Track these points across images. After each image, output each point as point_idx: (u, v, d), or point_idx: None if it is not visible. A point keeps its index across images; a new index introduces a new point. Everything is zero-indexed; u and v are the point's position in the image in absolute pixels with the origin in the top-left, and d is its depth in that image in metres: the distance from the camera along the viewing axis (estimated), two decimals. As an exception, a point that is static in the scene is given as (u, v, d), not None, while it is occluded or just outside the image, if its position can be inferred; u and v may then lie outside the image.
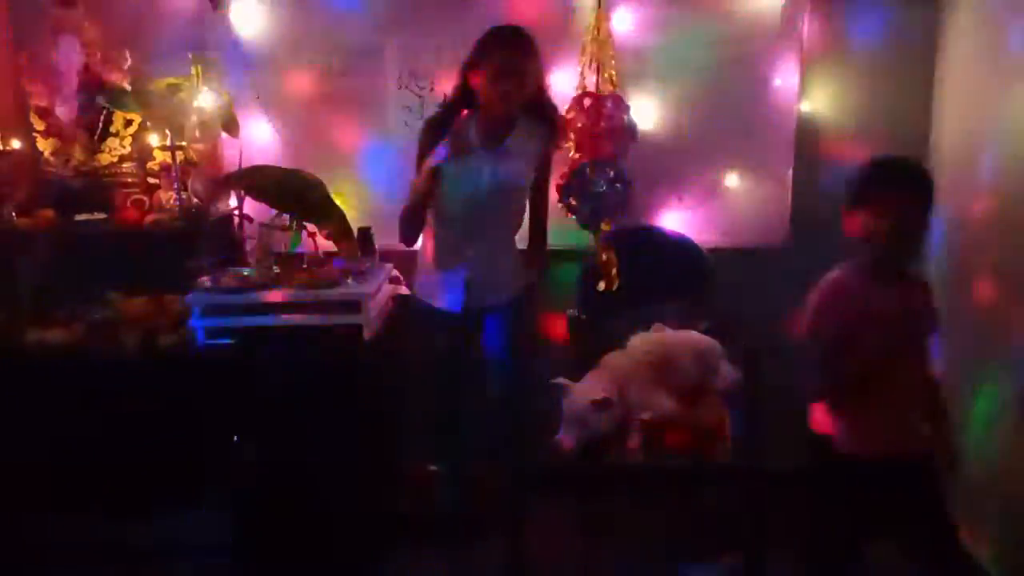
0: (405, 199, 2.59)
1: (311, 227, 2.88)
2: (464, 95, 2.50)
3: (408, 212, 2.58)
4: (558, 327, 3.16)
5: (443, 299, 2.66)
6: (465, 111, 2.53)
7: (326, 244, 2.93)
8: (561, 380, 2.65)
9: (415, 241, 2.69)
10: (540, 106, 2.57)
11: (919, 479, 2.15)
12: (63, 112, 3.05)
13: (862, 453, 2.16)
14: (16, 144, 3.02)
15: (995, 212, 2.61)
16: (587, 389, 2.58)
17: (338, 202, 2.92)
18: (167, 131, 2.90)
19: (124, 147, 3.08)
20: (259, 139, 3.20)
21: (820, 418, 2.24)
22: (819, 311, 2.14)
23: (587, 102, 2.97)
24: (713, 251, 3.11)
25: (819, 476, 2.33)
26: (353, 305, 2.69)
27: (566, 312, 3.05)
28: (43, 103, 3.05)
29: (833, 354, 2.12)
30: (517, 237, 2.79)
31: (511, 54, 2.38)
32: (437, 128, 2.52)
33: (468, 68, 2.46)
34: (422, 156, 2.54)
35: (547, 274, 2.91)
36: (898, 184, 2.08)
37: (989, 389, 2.62)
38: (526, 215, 2.76)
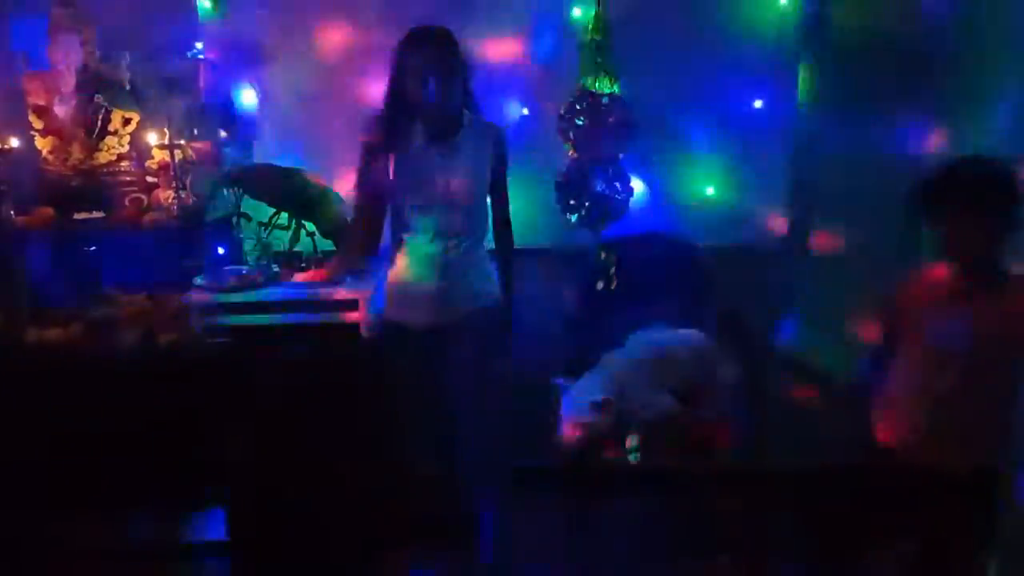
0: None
1: (309, 226, 2.88)
2: (398, 102, 2.39)
3: (350, 235, 2.53)
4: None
5: (412, 315, 2.49)
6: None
7: (324, 243, 2.92)
8: (559, 380, 2.65)
9: (359, 261, 2.63)
10: (469, 101, 2.47)
11: (969, 500, 2.01)
12: (62, 111, 3.05)
13: (912, 456, 2.05)
14: (15, 143, 3.01)
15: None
16: (586, 389, 2.59)
17: (336, 201, 2.91)
18: (165, 130, 2.90)
19: (123, 146, 3.08)
20: (258, 138, 3.19)
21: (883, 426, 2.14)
22: (895, 310, 2.09)
23: (586, 101, 2.98)
24: (711, 250, 3.11)
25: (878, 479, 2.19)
26: (351, 304, 2.69)
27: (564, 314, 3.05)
28: (41, 101, 3.05)
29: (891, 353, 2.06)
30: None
31: (422, 56, 2.32)
32: (376, 148, 2.43)
33: (394, 72, 2.39)
34: (361, 178, 2.47)
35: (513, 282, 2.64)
36: (961, 194, 1.91)
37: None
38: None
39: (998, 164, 1.94)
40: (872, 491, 2.18)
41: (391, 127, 2.39)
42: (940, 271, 1.98)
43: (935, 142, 2.95)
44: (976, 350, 1.92)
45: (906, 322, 2.02)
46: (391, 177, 2.40)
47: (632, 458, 2.54)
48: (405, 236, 2.48)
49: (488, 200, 2.51)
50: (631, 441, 2.55)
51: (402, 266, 2.50)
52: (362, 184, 2.47)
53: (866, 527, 2.20)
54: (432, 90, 2.31)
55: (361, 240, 2.54)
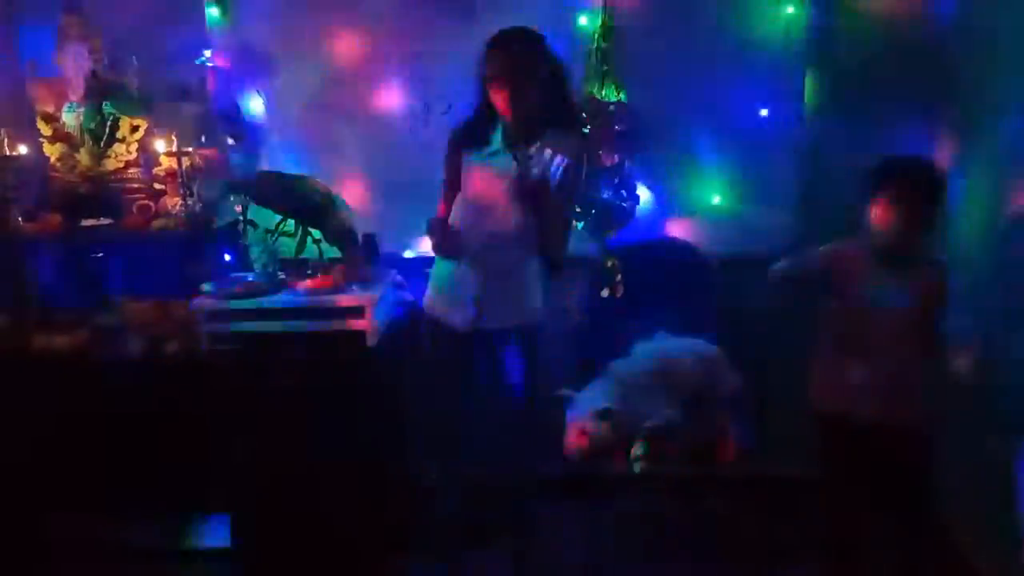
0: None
1: (316, 233, 2.88)
2: (481, 103, 2.42)
3: (433, 226, 2.43)
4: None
5: (453, 316, 2.51)
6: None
7: (331, 250, 2.92)
8: (565, 391, 2.65)
9: (452, 249, 2.49)
10: (561, 113, 2.44)
11: (905, 449, 2.28)
12: (70, 118, 3.06)
13: (841, 412, 2.31)
14: (23, 149, 3.03)
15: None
16: (590, 398, 2.59)
17: (342, 208, 2.92)
18: (173, 137, 2.91)
19: (130, 153, 3.09)
20: (265, 145, 3.20)
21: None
22: (820, 257, 2.37)
23: (592, 108, 2.98)
24: (717, 259, 3.11)
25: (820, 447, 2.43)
26: (357, 311, 2.69)
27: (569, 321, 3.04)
28: (50, 108, 3.07)
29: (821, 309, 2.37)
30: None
31: (505, 58, 2.31)
32: (459, 141, 2.48)
33: (478, 75, 2.40)
34: (449, 171, 2.53)
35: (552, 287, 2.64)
36: (902, 178, 2.22)
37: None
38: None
39: (929, 162, 2.33)
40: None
41: (470, 128, 2.45)
42: (877, 240, 2.26)
43: (943, 150, 2.95)
44: (902, 311, 2.24)
45: (841, 279, 2.30)
46: (463, 178, 2.45)
47: (636, 467, 2.54)
48: (464, 238, 2.45)
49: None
50: (636, 450, 2.55)
51: (454, 265, 2.49)
52: (446, 178, 2.53)
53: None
54: (506, 95, 2.30)
55: (440, 230, 2.46)
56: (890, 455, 2.27)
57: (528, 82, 2.31)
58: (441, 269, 2.56)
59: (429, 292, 2.61)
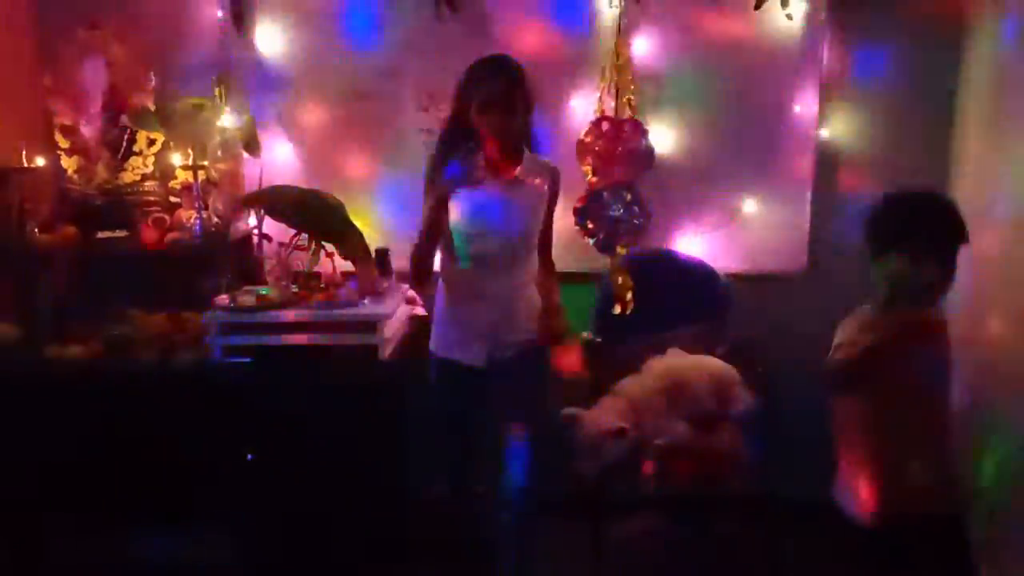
0: (417, 232, 2.46)
1: (329, 247, 2.89)
2: (460, 128, 2.40)
3: (420, 245, 2.46)
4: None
5: (464, 352, 2.50)
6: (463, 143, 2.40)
7: (344, 264, 2.94)
8: (573, 410, 2.64)
9: (426, 278, 2.56)
10: (529, 137, 2.48)
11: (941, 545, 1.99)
12: (87, 131, 3.10)
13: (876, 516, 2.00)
14: (40, 161, 3.06)
15: (1008, 247, 2.55)
16: (601, 417, 2.58)
17: (356, 223, 2.93)
18: (189, 151, 2.93)
19: (147, 166, 3.13)
20: (279, 159, 3.23)
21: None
22: (842, 347, 2.00)
23: (605, 126, 3.00)
24: (730, 277, 3.11)
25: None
26: (369, 325, 2.70)
27: (580, 336, 3.03)
28: (68, 121, 3.10)
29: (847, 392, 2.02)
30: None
31: (502, 84, 2.31)
32: (439, 175, 2.40)
33: (458, 100, 2.40)
34: (427, 204, 2.45)
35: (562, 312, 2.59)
36: (919, 226, 1.92)
37: (1003, 431, 2.48)
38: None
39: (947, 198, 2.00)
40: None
41: (452, 155, 2.36)
42: (908, 310, 1.94)
43: (962, 171, 2.95)
44: (934, 387, 1.96)
45: (877, 363, 1.94)
46: (451, 207, 2.39)
47: (647, 486, 2.53)
48: (459, 270, 2.48)
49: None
50: (647, 468, 2.54)
51: (457, 301, 2.51)
52: (426, 214, 2.43)
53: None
54: (497, 120, 2.31)
55: (423, 264, 2.49)
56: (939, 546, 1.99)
57: (520, 107, 2.34)
58: (446, 307, 2.56)
59: (436, 331, 2.59)
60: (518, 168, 2.43)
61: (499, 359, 2.48)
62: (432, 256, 2.50)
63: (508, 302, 2.47)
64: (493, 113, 2.31)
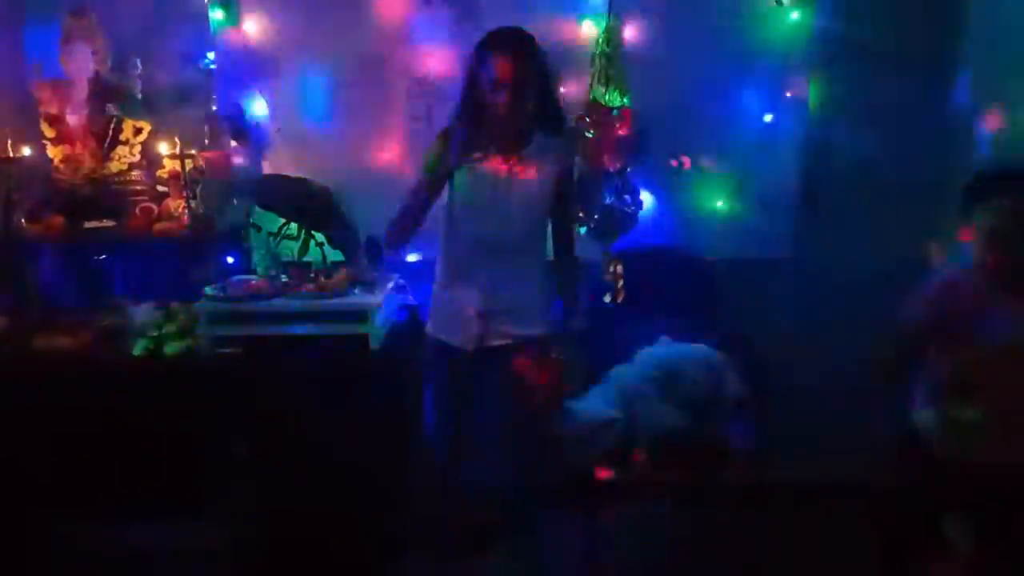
0: (402, 200, 2.40)
1: (319, 236, 2.88)
2: (471, 105, 2.29)
3: (405, 213, 2.38)
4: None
5: (455, 335, 2.43)
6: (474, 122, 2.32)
7: (334, 254, 2.92)
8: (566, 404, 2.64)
9: (401, 247, 2.52)
10: (549, 117, 2.35)
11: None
12: (73, 120, 3.06)
13: (964, 458, 2.09)
14: (26, 151, 3.03)
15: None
16: (593, 405, 2.58)
17: (345, 212, 2.92)
18: (177, 139, 2.91)
19: (134, 155, 3.10)
20: (268, 148, 3.20)
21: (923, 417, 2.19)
22: (928, 303, 2.12)
23: (596, 113, 2.98)
24: (720, 264, 3.11)
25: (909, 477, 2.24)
26: (360, 315, 2.69)
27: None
28: (53, 110, 3.07)
29: (933, 350, 2.11)
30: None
31: (510, 60, 2.18)
32: (446, 148, 2.32)
33: (467, 76, 2.29)
34: (427, 173, 2.37)
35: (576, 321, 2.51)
36: (1006, 195, 2.04)
37: None
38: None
39: None
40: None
41: (461, 130, 2.28)
42: (983, 269, 2.06)
43: (948, 154, 2.96)
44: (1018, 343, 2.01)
45: (952, 320, 2.06)
46: (452, 185, 2.33)
47: (639, 473, 2.54)
48: (457, 251, 2.41)
49: (549, 223, 2.42)
50: (639, 456, 2.55)
51: (452, 282, 2.44)
52: (424, 178, 2.36)
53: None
54: (501, 96, 2.20)
55: (404, 222, 2.41)
56: (1006, 499, 2.07)
57: (531, 84, 2.22)
58: (441, 287, 2.49)
59: (431, 310, 2.52)
60: (525, 149, 2.33)
61: (490, 347, 2.40)
62: (413, 225, 2.40)
63: (504, 289, 2.37)
64: (501, 91, 2.19)
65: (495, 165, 2.32)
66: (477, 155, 2.30)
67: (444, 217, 2.41)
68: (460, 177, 2.34)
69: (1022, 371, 2.02)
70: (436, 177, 2.34)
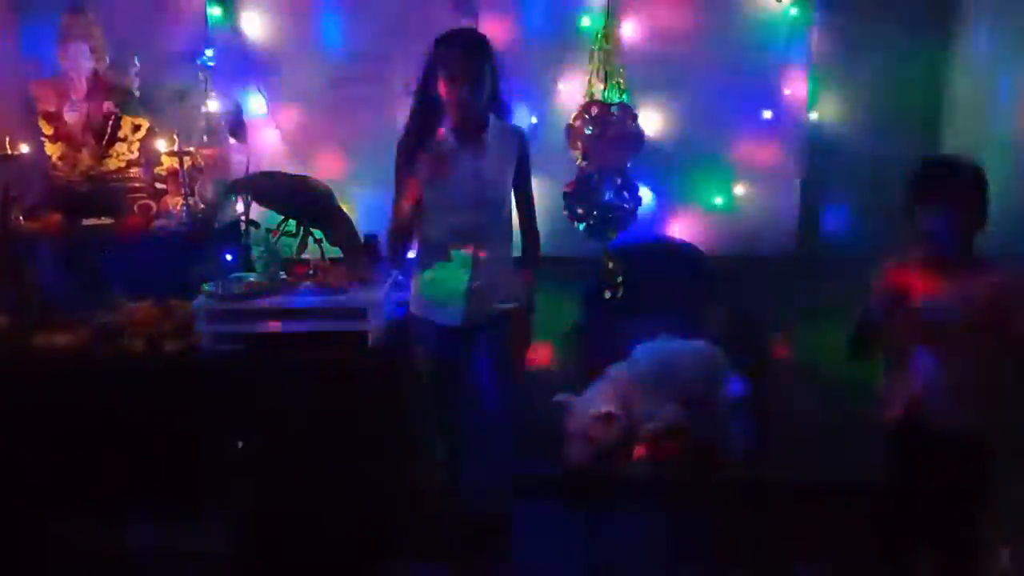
0: (389, 221, 2.55)
1: (317, 234, 2.88)
2: (429, 102, 2.46)
3: (394, 235, 2.56)
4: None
5: (440, 314, 2.56)
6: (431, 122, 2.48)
7: (332, 251, 2.92)
8: (563, 397, 2.64)
9: (403, 261, 2.68)
10: (500, 104, 2.54)
11: (965, 460, 2.18)
12: (71, 117, 3.06)
13: (899, 418, 2.23)
14: (24, 149, 3.03)
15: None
16: (591, 402, 2.58)
17: (344, 209, 2.91)
18: (175, 136, 2.91)
19: (132, 152, 3.10)
20: (267, 145, 3.20)
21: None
22: (877, 287, 2.24)
23: (594, 110, 2.97)
24: (720, 260, 3.10)
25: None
26: (359, 312, 2.69)
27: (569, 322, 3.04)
28: (51, 108, 3.07)
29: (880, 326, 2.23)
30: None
31: (465, 55, 2.37)
32: (410, 148, 2.47)
33: (424, 73, 2.45)
34: (399, 178, 2.51)
35: (538, 285, 2.69)
36: (945, 182, 2.15)
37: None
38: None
39: (968, 162, 2.19)
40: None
41: (422, 127, 2.45)
42: (925, 253, 2.19)
43: (944, 148, 2.95)
44: (958, 322, 2.12)
45: (898, 298, 2.18)
46: (422, 176, 2.43)
47: (637, 470, 2.54)
48: (434, 237, 2.53)
49: (513, 203, 2.58)
50: (638, 452, 2.55)
51: (431, 267, 2.55)
52: (399, 185, 2.51)
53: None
54: (462, 90, 2.36)
55: (400, 238, 2.57)
56: (951, 466, 2.18)
57: (484, 77, 2.39)
58: (422, 270, 2.59)
59: (413, 292, 2.64)
60: (484, 135, 2.48)
61: (475, 323, 2.55)
62: (405, 237, 2.56)
63: (483, 268, 2.51)
64: (457, 83, 2.35)
65: (461, 154, 2.45)
66: (442, 147, 2.42)
67: (420, 208, 2.50)
68: (431, 168, 2.42)
69: (953, 341, 2.13)
70: (411, 189, 2.47)
